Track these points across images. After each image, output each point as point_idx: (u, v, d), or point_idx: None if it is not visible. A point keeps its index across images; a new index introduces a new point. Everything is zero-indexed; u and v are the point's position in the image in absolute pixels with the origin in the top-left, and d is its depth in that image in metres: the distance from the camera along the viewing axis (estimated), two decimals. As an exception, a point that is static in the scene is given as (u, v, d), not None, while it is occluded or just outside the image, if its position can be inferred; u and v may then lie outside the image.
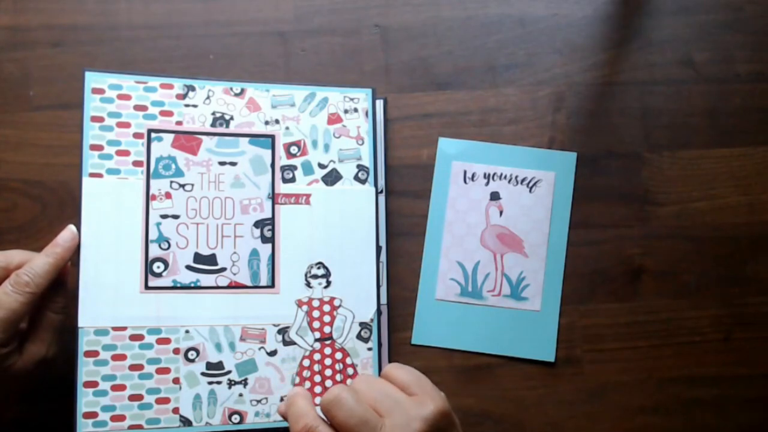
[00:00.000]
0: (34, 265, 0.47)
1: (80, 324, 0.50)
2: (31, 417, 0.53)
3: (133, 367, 0.51)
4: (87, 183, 0.51)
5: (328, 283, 0.54)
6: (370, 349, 0.54)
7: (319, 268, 0.54)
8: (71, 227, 0.50)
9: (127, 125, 0.52)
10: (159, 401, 0.51)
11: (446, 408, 0.43)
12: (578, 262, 0.58)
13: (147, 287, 0.51)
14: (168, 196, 0.52)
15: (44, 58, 0.57)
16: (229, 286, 0.53)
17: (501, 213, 0.58)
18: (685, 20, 0.60)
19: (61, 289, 0.49)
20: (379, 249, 0.55)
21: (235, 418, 0.52)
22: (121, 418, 0.50)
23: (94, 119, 0.52)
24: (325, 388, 0.53)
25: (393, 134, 0.58)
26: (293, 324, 0.53)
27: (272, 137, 0.54)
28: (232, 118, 0.54)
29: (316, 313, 0.53)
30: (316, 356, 0.53)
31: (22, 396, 0.51)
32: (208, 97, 0.54)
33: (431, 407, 0.42)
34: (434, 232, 0.58)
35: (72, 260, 0.50)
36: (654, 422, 0.57)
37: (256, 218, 0.53)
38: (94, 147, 0.51)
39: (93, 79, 0.52)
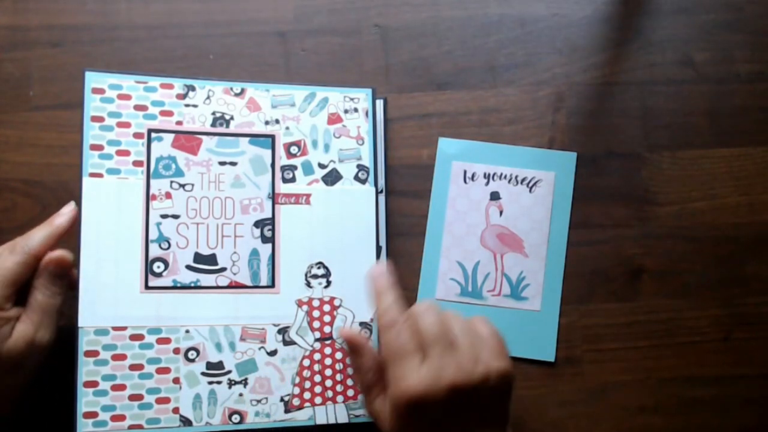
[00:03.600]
0: (32, 231, 0.49)
1: (80, 324, 0.50)
2: (31, 417, 0.53)
3: (133, 367, 0.51)
4: (87, 183, 0.51)
5: (328, 283, 0.54)
6: (370, 349, 0.54)
7: (319, 267, 0.54)
8: (72, 203, 0.51)
9: (127, 125, 0.52)
10: (159, 401, 0.51)
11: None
12: (578, 262, 0.58)
13: (147, 287, 0.51)
14: (168, 196, 0.52)
15: (44, 58, 0.57)
16: (229, 286, 0.53)
17: (501, 213, 0.58)
18: (685, 20, 0.60)
19: (58, 278, 0.49)
20: (379, 249, 0.55)
21: (235, 418, 0.52)
22: (121, 417, 0.50)
23: (94, 119, 0.52)
24: (325, 388, 0.53)
25: (393, 134, 0.58)
26: (293, 324, 0.53)
27: (272, 137, 0.54)
28: (232, 118, 0.54)
29: (316, 313, 0.53)
30: (317, 356, 0.53)
31: (21, 392, 0.51)
32: (208, 97, 0.54)
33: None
34: (434, 232, 0.58)
35: (74, 262, 0.50)
36: (654, 422, 0.57)
37: (256, 218, 0.53)
38: (94, 147, 0.52)
39: (93, 79, 0.52)
